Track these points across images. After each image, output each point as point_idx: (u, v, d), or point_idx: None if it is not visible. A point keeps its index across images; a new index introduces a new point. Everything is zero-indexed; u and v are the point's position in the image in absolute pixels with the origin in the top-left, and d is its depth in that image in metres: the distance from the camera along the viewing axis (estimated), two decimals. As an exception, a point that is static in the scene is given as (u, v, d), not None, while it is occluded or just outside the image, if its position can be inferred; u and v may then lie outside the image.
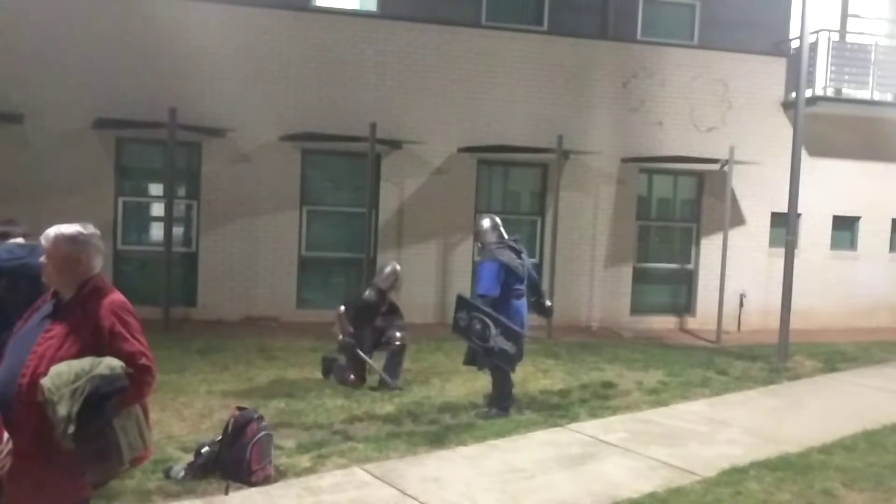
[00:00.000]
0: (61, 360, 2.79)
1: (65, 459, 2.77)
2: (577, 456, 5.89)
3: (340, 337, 7.92)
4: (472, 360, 7.15)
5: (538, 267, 12.30)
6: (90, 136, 10.84)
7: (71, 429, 2.71)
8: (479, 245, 7.28)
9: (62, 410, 2.68)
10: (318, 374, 8.20)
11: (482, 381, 8.13)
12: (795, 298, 10.51)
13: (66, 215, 11.01)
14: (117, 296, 3.02)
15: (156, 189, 11.62)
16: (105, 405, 2.76)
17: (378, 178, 11.71)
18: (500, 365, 6.84)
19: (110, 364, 2.81)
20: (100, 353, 2.84)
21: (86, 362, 2.79)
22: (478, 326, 6.65)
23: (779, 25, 13.86)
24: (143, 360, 2.94)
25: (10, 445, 2.68)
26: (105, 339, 2.89)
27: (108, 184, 11.08)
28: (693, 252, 13.21)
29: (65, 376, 2.72)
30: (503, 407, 6.95)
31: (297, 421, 6.43)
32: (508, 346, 6.69)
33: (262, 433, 5.08)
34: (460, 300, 6.96)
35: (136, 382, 2.90)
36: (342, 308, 8.01)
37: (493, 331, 6.61)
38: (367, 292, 8.11)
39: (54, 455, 2.74)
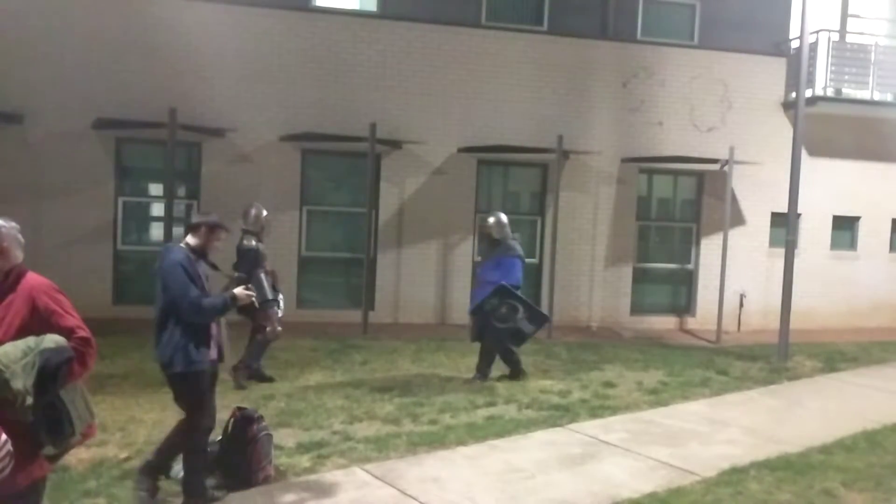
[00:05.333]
0: (2, 342, 2.91)
1: (18, 438, 2.85)
2: (577, 456, 5.89)
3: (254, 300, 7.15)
4: (479, 336, 8.30)
5: (538, 266, 12.34)
6: (90, 136, 10.84)
7: (29, 400, 2.86)
8: (496, 237, 8.24)
9: (18, 384, 2.82)
10: (318, 374, 8.20)
11: (481, 382, 8.18)
12: (795, 298, 10.52)
13: (66, 215, 11.02)
14: (44, 278, 3.17)
15: (156, 189, 11.62)
16: (58, 376, 2.94)
17: (378, 178, 11.71)
18: (507, 343, 8.18)
19: (54, 339, 2.98)
20: (38, 333, 2.98)
21: (30, 340, 2.93)
22: (503, 310, 7.97)
23: (779, 25, 13.87)
24: (82, 333, 3.10)
25: (8, 446, 2.69)
26: (43, 317, 3.03)
27: (108, 184, 11.08)
28: (693, 252, 13.21)
29: (12, 354, 2.85)
30: (485, 374, 8.27)
31: (297, 421, 6.43)
32: (528, 328, 8.12)
33: (262, 433, 5.08)
34: (502, 289, 7.97)
35: (79, 354, 3.06)
36: (261, 273, 7.37)
37: (521, 314, 8.01)
38: (243, 241, 7.44)
39: (8, 434, 2.80)
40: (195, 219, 4.81)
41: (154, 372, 7.78)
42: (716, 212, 12.63)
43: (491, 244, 8.38)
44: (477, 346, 8.39)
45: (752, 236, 13.11)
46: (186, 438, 4.60)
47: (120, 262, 11.30)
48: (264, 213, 7.79)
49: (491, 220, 8.34)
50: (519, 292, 8.13)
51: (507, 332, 8.08)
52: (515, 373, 8.34)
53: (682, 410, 7.45)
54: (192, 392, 4.58)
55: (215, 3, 11.15)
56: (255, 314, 7.31)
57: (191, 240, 4.70)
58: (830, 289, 13.55)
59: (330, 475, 5.23)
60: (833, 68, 13.01)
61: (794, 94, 11.09)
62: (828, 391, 8.72)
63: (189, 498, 4.57)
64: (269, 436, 5.17)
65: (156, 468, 4.63)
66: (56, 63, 10.67)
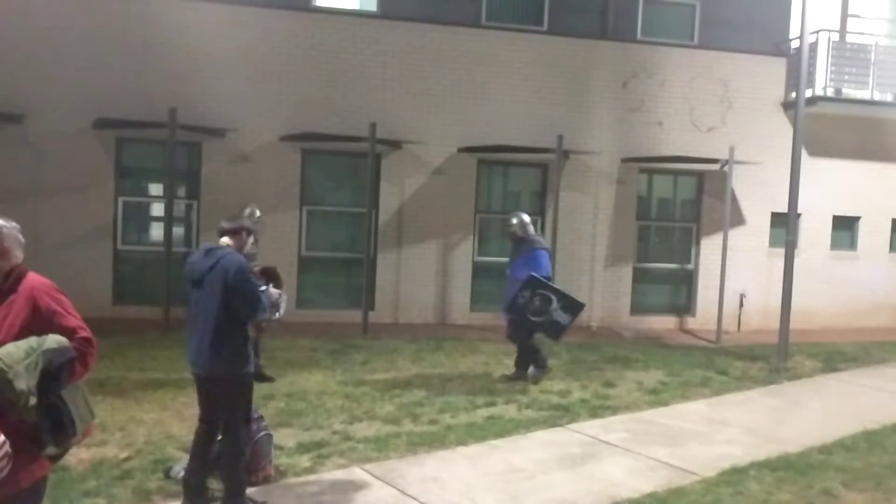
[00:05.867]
0: (4, 343, 2.90)
1: (20, 438, 2.84)
2: (577, 456, 5.89)
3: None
4: (514, 334, 8.34)
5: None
6: (90, 136, 10.84)
7: (32, 401, 2.84)
8: (520, 235, 8.35)
9: (21, 385, 2.80)
10: (318, 374, 8.19)
11: (481, 381, 8.18)
12: (795, 298, 10.51)
13: (66, 215, 11.01)
14: (45, 279, 3.16)
15: (156, 189, 11.62)
16: (60, 376, 2.93)
17: (378, 178, 11.70)
18: (542, 334, 8.20)
19: (56, 339, 2.97)
20: (39, 334, 2.97)
21: (32, 340, 2.91)
22: (537, 303, 7.91)
23: (779, 25, 13.86)
24: (84, 333, 3.09)
25: (7, 447, 2.68)
26: (44, 318, 3.02)
27: (108, 184, 11.08)
28: (693, 252, 13.20)
29: (15, 355, 2.84)
30: (542, 365, 8.32)
31: (297, 421, 6.43)
32: (564, 318, 7.97)
33: (262, 433, 5.08)
34: (532, 280, 7.92)
35: (81, 354, 3.05)
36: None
37: (555, 305, 7.92)
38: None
39: (9, 435, 2.79)
40: (232, 224, 4.84)
41: (153, 372, 7.83)
42: (716, 212, 12.62)
43: (516, 243, 8.48)
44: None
45: (752, 236, 13.10)
46: (234, 441, 4.57)
47: (120, 262, 11.29)
48: (258, 213, 7.84)
49: (514, 220, 8.47)
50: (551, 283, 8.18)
51: (544, 326, 8.04)
52: (538, 365, 8.41)
53: (682, 410, 7.45)
54: (245, 392, 4.66)
55: (215, 3, 11.15)
56: None
57: (231, 242, 4.77)
58: (830, 289, 13.54)
59: (330, 475, 5.23)
60: (833, 68, 13.00)
61: (794, 94, 11.08)
62: (828, 391, 8.73)
63: (235, 497, 4.54)
64: (269, 436, 5.18)
65: (235, 494, 4.57)
66: (56, 63, 10.67)
